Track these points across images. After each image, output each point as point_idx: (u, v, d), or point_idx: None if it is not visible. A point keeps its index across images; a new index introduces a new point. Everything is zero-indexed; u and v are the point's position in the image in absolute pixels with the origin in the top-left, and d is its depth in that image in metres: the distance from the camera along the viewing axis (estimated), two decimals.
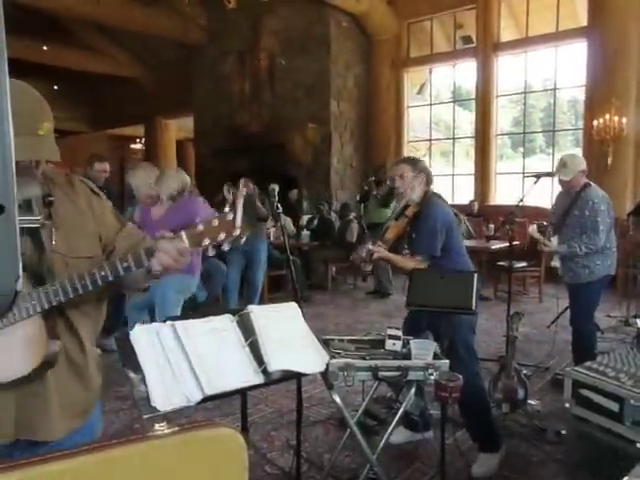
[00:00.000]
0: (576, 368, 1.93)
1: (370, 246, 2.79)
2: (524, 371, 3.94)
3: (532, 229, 4.07)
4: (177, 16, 11.60)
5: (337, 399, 2.27)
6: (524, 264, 7.06)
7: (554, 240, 3.97)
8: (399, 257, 2.94)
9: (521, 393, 3.61)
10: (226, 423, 1.02)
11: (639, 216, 4.28)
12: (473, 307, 2.14)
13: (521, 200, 4.28)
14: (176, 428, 0.92)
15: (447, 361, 2.09)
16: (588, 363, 1.95)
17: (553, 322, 5.74)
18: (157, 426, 0.92)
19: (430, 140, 11.56)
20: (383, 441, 2.44)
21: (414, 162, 3.05)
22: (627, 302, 5.94)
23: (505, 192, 10.09)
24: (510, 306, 4.22)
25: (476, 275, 2.18)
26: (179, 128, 16.25)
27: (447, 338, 2.61)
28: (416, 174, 2.95)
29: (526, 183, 7.36)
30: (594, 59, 8.45)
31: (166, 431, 0.92)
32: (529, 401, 3.65)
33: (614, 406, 1.77)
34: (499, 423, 3.27)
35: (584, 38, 8.74)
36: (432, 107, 11.42)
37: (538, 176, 4.20)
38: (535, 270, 7.24)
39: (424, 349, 2.10)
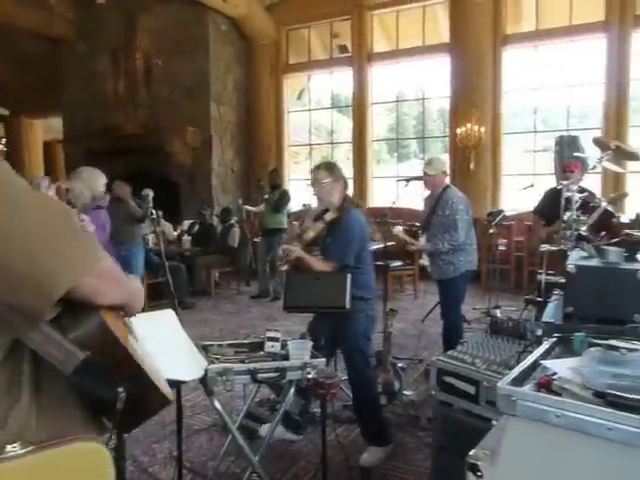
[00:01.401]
0: (439, 357, 2.10)
1: (286, 245, 2.83)
2: (400, 364, 4.18)
3: (397, 230, 4.37)
4: (43, 7, 10.77)
5: (217, 405, 2.25)
6: (399, 263, 7.47)
7: (422, 239, 4.28)
8: (314, 259, 2.96)
9: (397, 385, 3.83)
10: (90, 437, 0.97)
11: (538, 214, 4.82)
12: (346, 305, 2.24)
13: (393, 203, 4.55)
14: (30, 447, 0.86)
15: (324, 359, 2.17)
16: (450, 352, 2.13)
17: (426, 316, 6.15)
18: (9, 447, 0.86)
19: (310, 145, 11.83)
20: (265, 443, 2.46)
21: (331, 168, 3.11)
22: (489, 295, 6.51)
23: (382, 195, 10.58)
24: (386, 304, 4.45)
25: (349, 275, 2.29)
26: (47, 129, 15.06)
27: (342, 340, 2.71)
28: (334, 180, 3.02)
29: (400, 187, 7.81)
30: (456, 73, 9.19)
31: (19, 451, 0.86)
32: (404, 392, 3.87)
33: (471, 389, 1.94)
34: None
35: (447, 53, 9.46)
36: (312, 113, 11.70)
37: (408, 180, 4.50)
38: (410, 269, 7.69)
39: (301, 349, 2.16)
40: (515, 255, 7.80)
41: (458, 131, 8.87)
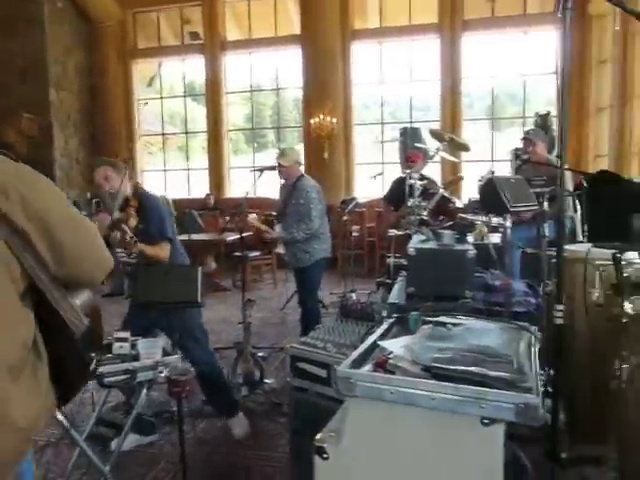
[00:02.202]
0: (293, 344, 2.15)
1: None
2: (260, 353, 4.21)
3: (251, 218, 4.39)
4: None
5: (59, 416, 2.09)
6: (257, 253, 7.49)
7: (277, 228, 4.34)
8: (148, 247, 2.95)
9: (257, 374, 3.86)
10: None
11: (387, 201, 5.10)
12: (199, 300, 2.20)
13: (247, 193, 4.54)
14: None
15: (177, 356, 2.11)
16: (302, 338, 2.19)
17: (285, 304, 6.27)
18: None
19: (163, 134, 11.37)
20: (117, 450, 2.34)
21: (113, 163, 3.21)
22: (344, 280, 6.80)
23: (240, 185, 10.53)
24: (245, 294, 4.44)
25: (200, 268, 2.25)
26: None
27: (179, 330, 2.64)
28: (117, 172, 3.12)
29: (255, 177, 7.82)
30: (308, 65, 9.40)
31: None
32: (265, 380, 3.91)
33: (323, 373, 2.02)
34: (241, 406, 3.44)
35: (299, 45, 9.62)
36: (166, 101, 11.24)
37: (262, 170, 4.51)
38: (268, 258, 7.75)
39: (152, 347, 2.08)
40: (368, 240, 8.23)
41: (312, 121, 9.10)
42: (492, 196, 2.48)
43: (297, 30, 9.83)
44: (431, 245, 2.50)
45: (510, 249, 4.10)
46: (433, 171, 8.46)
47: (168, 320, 2.58)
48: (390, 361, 1.21)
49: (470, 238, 3.52)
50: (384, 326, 1.52)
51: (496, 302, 2.79)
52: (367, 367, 1.24)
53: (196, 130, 11.55)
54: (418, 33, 9.46)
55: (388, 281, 4.10)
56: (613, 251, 1.74)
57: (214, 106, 10.32)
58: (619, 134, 6.61)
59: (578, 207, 4.45)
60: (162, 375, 2.06)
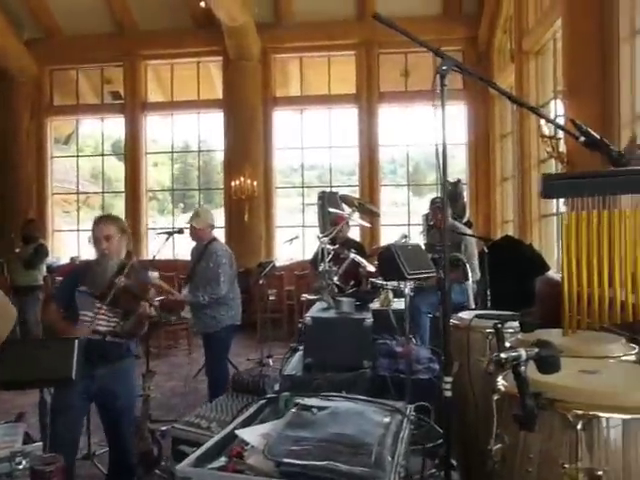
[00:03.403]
0: (175, 425, 1.98)
1: None
2: (163, 427, 3.92)
3: (153, 277, 4.20)
4: None
5: None
6: (173, 318, 7.18)
7: (184, 290, 4.18)
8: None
9: (156, 452, 3.56)
10: None
11: (312, 264, 5.03)
12: (73, 376, 1.99)
13: (154, 257, 4.38)
14: None
15: (40, 444, 1.88)
16: (187, 417, 2.03)
17: (198, 372, 5.96)
18: None
19: (78, 193, 10.97)
20: None
21: (119, 222, 2.92)
22: (262, 345, 6.61)
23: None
24: (148, 364, 4.17)
25: (77, 341, 2.05)
26: None
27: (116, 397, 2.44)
28: (121, 234, 2.84)
29: (176, 239, 7.62)
30: (229, 128, 9.50)
31: None
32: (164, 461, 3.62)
33: None
34: None
35: (221, 109, 9.74)
36: (89, 159, 10.95)
37: (170, 233, 4.39)
38: (184, 322, 7.43)
39: (10, 435, 1.84)
40: (287, 304, 8.12)
41: (233, 184, 9.09)
42: (390, 263, 2.49)
43: (220, 94, 9.97)
44: (328, 314, 2.44)
45: (418, 315, 4.16)
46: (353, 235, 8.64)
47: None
48: (244, 454, 1.11)
49: (376, 304, 3.54)
50: (252, 409, 1.42)
51: (399, 369, 2.77)
52: (220, 461, 1.12)
53: (119, 190, 11.22)
54: (336, 102, 9.86)
55: (301, 347, 4.02)
56: (495, 321, 1.74)
57: (133, 165, 10.13)
58: (521, 202, 7.04)
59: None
60: (21, 467, 1.81)
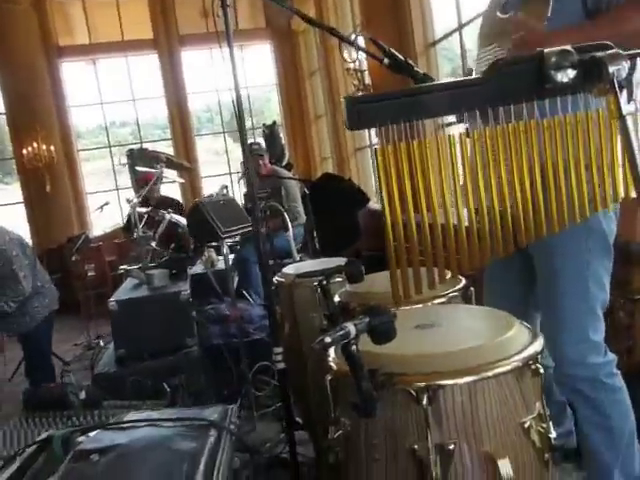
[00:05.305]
0: None
1: None
2: None
3: None
4: None
5: None
6: None
7: None
8: None
9: None
10: None
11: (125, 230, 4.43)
12: None
13: None
14: None
15: None
16: None
17: (14, 373, 5.23)
18: None
19: None
20: None
21: None
22: (89, 326, 5.98)
23: None
24: None
25: None
26: None
27: None
28: None
29: None
30: (6, 86, 8.10)
31: None
32: None
33: None
34: None
35: None
36: None
37: None
38: None
39: None
40: (111, 275, 7.44)
41: (24, 151, 7.89)
42: (201, 223, 2.22)
43: None
44: (137, 293, 2.13)
45: (248, 266, 3.98)
46: (175, 192, 8.11)
47: None
48: None
49: (199, 266, 3.26)
50: (17, 463, 1.07)
51: (232, 334, 2.58)
52: None
53: None
54: (133, 49, 8.96)
55: None
56: (320, 278, 1.58)
57: None
58: (336, 138, 7.14)
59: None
60: None
